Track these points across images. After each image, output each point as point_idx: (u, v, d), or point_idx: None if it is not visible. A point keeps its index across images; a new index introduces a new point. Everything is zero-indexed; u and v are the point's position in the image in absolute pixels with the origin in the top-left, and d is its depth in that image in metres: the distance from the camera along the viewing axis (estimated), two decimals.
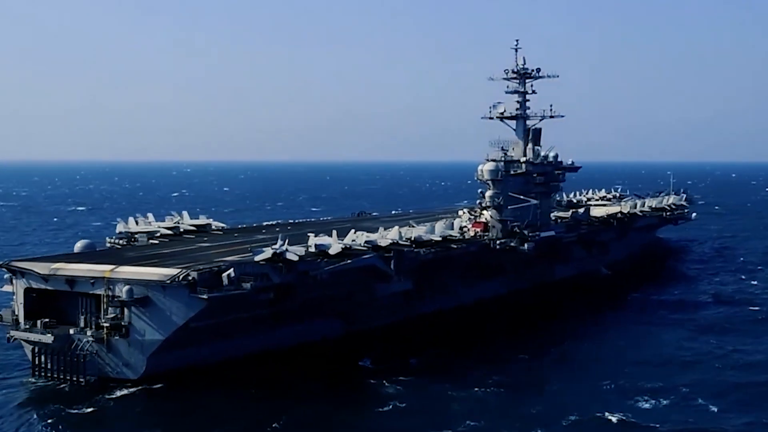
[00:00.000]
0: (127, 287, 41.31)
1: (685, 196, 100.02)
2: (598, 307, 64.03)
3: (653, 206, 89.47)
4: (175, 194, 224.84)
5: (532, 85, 67.42)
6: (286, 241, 45.36)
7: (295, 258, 44.99)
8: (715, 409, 38.73)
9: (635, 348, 50.39)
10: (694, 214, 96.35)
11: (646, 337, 53.54)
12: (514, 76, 66.81)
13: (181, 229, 61.16)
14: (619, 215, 79.20)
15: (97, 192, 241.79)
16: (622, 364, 46.23)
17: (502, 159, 63.01)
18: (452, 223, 58.82)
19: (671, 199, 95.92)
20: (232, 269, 42.59)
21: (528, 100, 67.87)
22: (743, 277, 77.29)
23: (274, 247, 44.79)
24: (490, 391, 41.20)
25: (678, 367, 45.91)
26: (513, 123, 68.01)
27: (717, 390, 41.53)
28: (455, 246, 56.52)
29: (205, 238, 59.27)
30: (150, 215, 61.85)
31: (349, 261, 48.39)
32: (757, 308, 61.54)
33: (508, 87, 67.19)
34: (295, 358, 46.31)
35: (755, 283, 73.37)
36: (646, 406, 39.06)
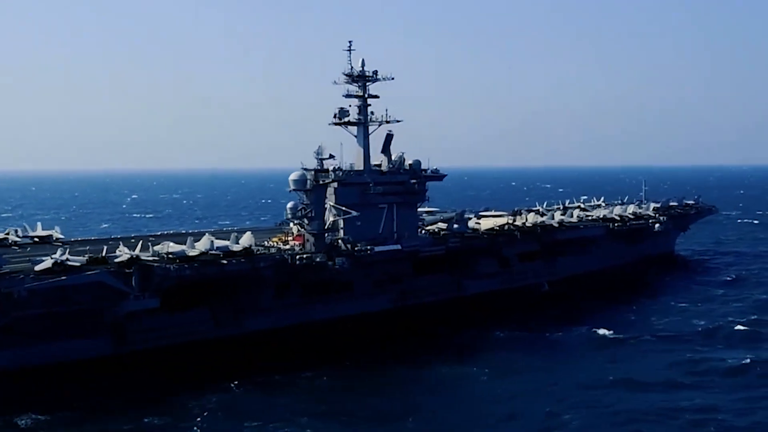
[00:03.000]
0: None
1: (652, 205, 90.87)
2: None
3: (590, 217, 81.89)
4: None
5: (366, 89, 62.82)
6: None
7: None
8: None
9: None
10: (657, 225, 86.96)
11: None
12: (349, 79, 62.47)
13: (10, 241, 61.12)
14: (523, 226, 72.43)
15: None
16: None
17: (314, 168, 58.66)
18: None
19: (630, 209, 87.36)
20: None
21: (369, 105, 63.34)
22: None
23: (53, 256, 45.17)
24: None
25: None
26: (355, 129, 63.60)
27: None
28: (225, 261, 53.08)
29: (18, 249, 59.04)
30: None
31: (64, 278, 46.59)
32: None
33: (348, 91, 62.93)
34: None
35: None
36: None
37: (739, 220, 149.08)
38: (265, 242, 60.91)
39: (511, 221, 72.29)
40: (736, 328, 57.83)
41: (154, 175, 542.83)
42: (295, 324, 57.28)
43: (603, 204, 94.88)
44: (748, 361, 48.47)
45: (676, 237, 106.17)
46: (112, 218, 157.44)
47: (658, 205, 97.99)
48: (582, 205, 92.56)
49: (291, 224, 59.20)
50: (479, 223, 71.69)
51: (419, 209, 77.39)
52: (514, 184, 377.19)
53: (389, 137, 64.46)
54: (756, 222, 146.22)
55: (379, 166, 65.17)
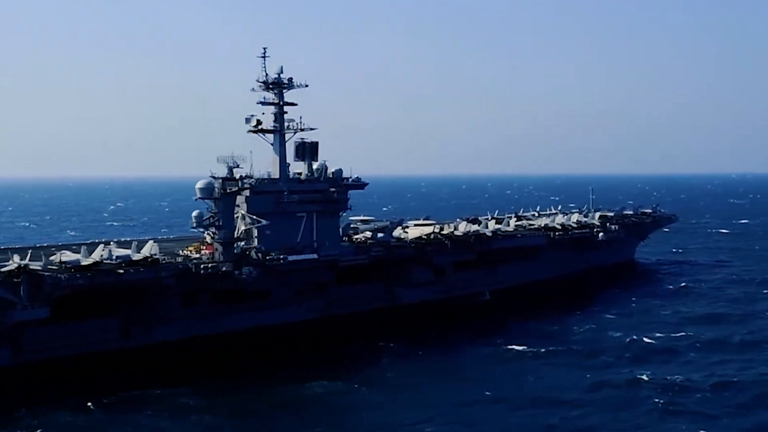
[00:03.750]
0: None
1: (598, 214, 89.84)
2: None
3: (533, 225, 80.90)
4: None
5: (283, 97, 62.16)
6: None
7: None
8: None
9: None
10: (601, 234, 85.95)
11: None
12: (264, 86, 61.80)
13: None
14: (451, 235, 71.55)
15: None
16: None
17: (222, 177, 57.83)
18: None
19: (574, 218, 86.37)
20: None
21: (286, 112, 62.64)
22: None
23: None
24: None
25: None
26: (271, 137, 62.89)
27: None
28: (122, 271, 52.32)
29: None
30: None
31: None
32: None
33: (265, 98, 62.26)
34: None
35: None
36: None
37: (709, 230, 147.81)
38: (180, 251, 60.33)
39: (437, 230, 71.25)
40: (648, 341, 56.66)
41: (159, 181, 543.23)
42: (209, 334, 56.60)
43: (552, 213, 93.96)
44: (643, 377, 47.35)
45: (636, 246, 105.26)
46: (81, 226, 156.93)
47: (611, 214, 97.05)
48: (536, 214, 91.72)
49: (205, 233, 58.37)
50: (407, 233, 70.77)
51: (355, 218, 76.83)
52: (509, 192, 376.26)
53: (313, 146, 63.79)
54: (726, 231, 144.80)
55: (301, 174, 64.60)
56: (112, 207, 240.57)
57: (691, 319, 64.84)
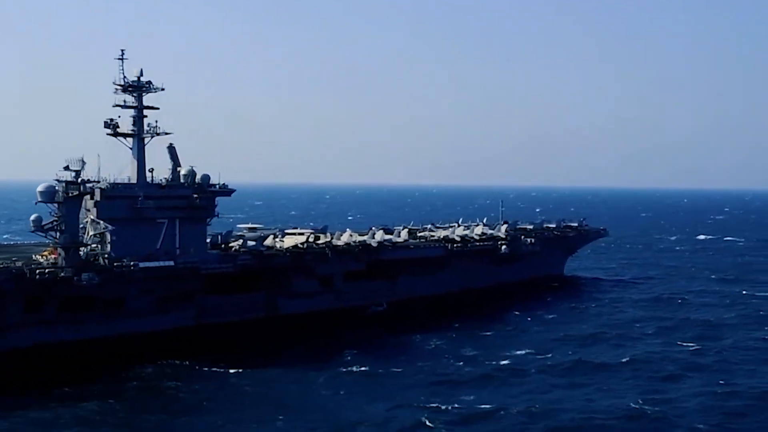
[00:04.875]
0: None
1: (504, 227, 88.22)
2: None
3: (434, 237, 79.45)
4: None
5: (142, 100, 61.03)
6: None
7: None
8: None
9: None
10: (504, 247, 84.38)
11: None
12: (121, 88, 60.70)
13: None
14: (327, 245, 70.20)
15: None
16: None
17: (66, 180, 56.59)
18: None
19: (477, 230, 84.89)
20: None
21: (146, 116, 61.43)
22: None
23: None
24: None
25: None
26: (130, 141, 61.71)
27: None
28: None
29: None
30: None
31: None
32: None
33: (125, 102, 61.11)
34: None
35: None
36: None
37: (662, 245, 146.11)
38: (34, 255, 59.25)
39: (312, 240, 69.92)
40: (494, 364, 54.61)
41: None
42: (54, 342, 55.30)
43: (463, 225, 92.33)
44: (438, 405, 44.95)
45: (564, 259, 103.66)
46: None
47: (530, 227, 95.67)
48: (432, 226, 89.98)
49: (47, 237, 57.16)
50: (283, 241, 69.46)
51: (243, 225, 75.66)
52: (488, 201, 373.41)
53: (172, 149, 62.67)
54: (680, 248, 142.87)
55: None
56: None
57: (559, 340, 62.79)
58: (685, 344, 61.48)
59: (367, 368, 53.15)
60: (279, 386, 48.91)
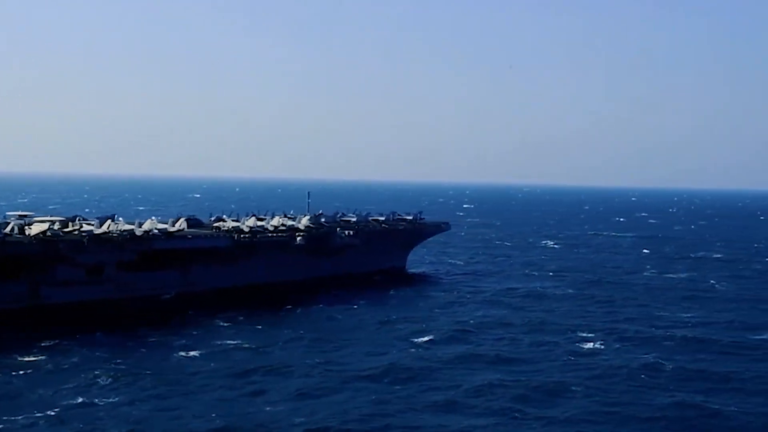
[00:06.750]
0: None
1: (305, 219, 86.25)
2: None
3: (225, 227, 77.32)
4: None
5: None
6: None
7: None
8: None
9: None
10: (299, 239, 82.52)
11: None
12: None
13: None
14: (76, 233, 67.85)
15: None
16: None
17: None
18: None
19: (274, 221, 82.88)
20: None
21: None
22: None
23: None
24: None
25: None
26: None
27: None
28: None
29: None
30: None
31: None
32: None
33: None
34: None
35: None
36: None
37: (550, 242, 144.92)
38: None
39: (58, 227, 67.46)
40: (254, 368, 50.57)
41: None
42: None
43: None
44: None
45: (405, 253, 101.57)
46: None
47: (353, 219, 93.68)
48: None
49: None
50: (30, 228, 66.90)
51: (12, 213, 73.15)
52: (441, 200, 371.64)
53: None
54: (554, 245, 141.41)
55: None
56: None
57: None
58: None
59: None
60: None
